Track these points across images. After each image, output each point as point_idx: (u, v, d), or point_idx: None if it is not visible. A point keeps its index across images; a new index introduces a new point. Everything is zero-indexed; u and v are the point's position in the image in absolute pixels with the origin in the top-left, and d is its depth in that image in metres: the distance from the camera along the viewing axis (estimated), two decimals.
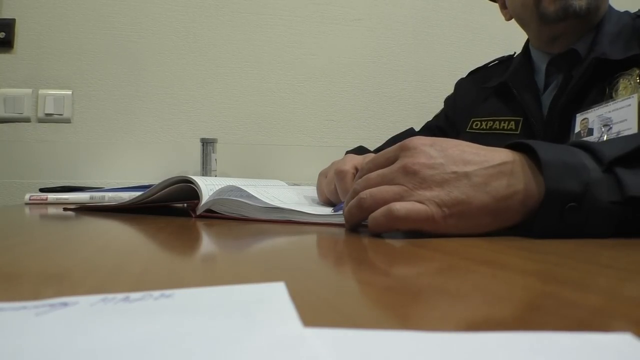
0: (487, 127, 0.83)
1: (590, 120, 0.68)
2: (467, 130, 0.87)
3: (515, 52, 0.91)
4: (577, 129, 0.69)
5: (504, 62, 0.92)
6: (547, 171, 0.36)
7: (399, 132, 1.02)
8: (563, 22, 0.72)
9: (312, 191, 0.70)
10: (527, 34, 0.83)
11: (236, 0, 1.53)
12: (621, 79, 0.67)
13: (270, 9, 1.55)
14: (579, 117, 0.69)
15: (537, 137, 0.74)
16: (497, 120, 0.82)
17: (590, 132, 0.67)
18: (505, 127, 0.80)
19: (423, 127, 1.03)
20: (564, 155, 0.37)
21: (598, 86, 0.69)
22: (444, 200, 0.37)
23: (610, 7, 0.76)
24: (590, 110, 0.68)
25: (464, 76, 1.02)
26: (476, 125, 0.86)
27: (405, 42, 1.64)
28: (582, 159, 0.37)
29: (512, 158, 0.39)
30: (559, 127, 0.72)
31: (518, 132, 0.78)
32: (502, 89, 0.83)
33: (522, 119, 0.78)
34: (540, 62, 0.80)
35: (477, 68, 0.99)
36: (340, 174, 0.59)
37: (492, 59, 0.97)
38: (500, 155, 0.39)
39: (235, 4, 1.53)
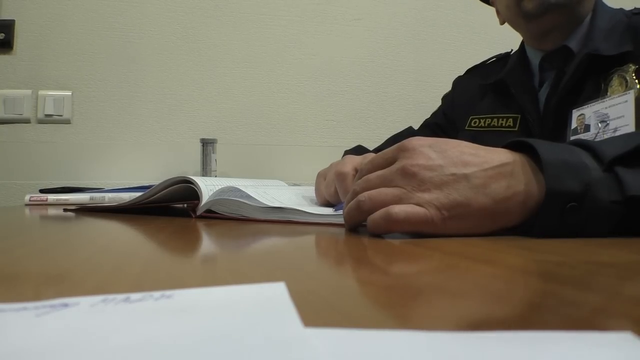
0: (486, 124, 0.83)
1: (586, 116, 0.67)
2: (466, 128, 0.87)
3: (512, 50, 0.91)
4: (574, 124, 0.69)
5: (502, 59, 0.93)
6: (548, 170, 0.36)
7: (398, 132, 1.02)
8: (545, 16, 0.73)
9: (312, 191, 0.70)
10: (520, 34, 0.84)
11: (236, 0, 1.53)
12: (616, 75, 0.67)
13: (270, 9, 1.55)
14: (575, 113, 0.70)
15: (534, 134, 0.75)
16: (495, 117, 0.82)
17: (587, 128, 0.67)
18: (504, 125, 0.80)
19: (422, 125, 1.03)
20: (565, 154, 0.37)
21: (593, 82, 0.70)
22: (443, 203, 0.37)
23: (601, 2, 0.77)
24: (586, 106, 0.68)
25: (462, 74, 1.02)
26: (475, 123, 0.86)
27: (405, 42, 1.64)
28: (582, 158, 0.37)
29: (512, 159, 0.39)
30: (555, 124, 0.73)
31: (516, 129, 0.78)
32: (500, 87, 0.83)
33: (519, 116, 0.78)
34: (535, 60, 0.81)
35: (475, 65, 0.99)
36: (340, 176, 0.59)
37: (489, 57, 0.97)
38: (500, 156, 0.39)
39: (235, 4, 1.53)
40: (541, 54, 0.79)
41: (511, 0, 0.76)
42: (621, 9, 0.76)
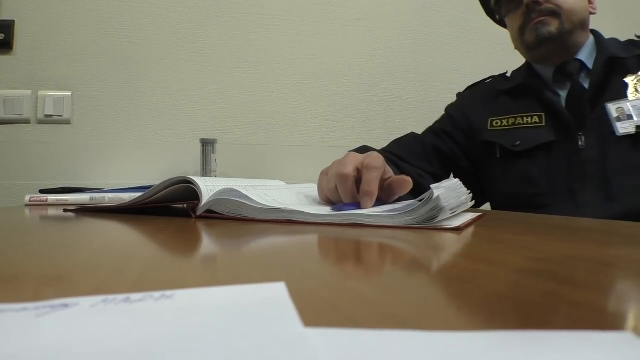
0: (510, 123, 0.93)
1: (625, 109, 0.82)
2: (489, 128, 0.96)
3: (507, 71, 1.04)
4: (615, 114, 0.82)
5: (501, 76, 1.05)
6: None
7: (401, 136, 1.03)
8: (541, 47, 0.90)
9: (313, 190, 0.70)
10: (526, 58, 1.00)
11: (235, 0, 1.53)
12: None
13: (270, 9, 1.55)
14: (612, 106, 0.83)
15: (569, 128, 0.85)
16: (519, 116, 0.92)
17: (629, 117, 0.81)
18: (530, 122, 0.90)
19: (427, 130, 1.05)
20: None
21: (616, 82, 0.84)
22: None
23: (596, 32, 0.94)
24: (621, 101, 0.82)
25: (462, 90, 1.10)
26: (497, 123, 0.95)
27: (405, 41, 1.65)
28: None
29: None
30: (581, 117, 0.84)
31: (544, 125, 0.88)
32: (518, 91, 0.95)
33: (544, 113, 0.89)
34: (546, 72, 0.93)
35: (475, 84, 1.09)
36: (341, 178, 0.59)
37: (486, 77, 1.08)
38: None
39: (235, 4, 1.53)
40: (551, 67, 0.92)
41: (516, 33, 0.95)
42: (615, 38, 0.93)
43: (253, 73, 1.53)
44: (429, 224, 0.45)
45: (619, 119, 0.81)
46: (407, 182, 0.59)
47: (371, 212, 0.49)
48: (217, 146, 1.31)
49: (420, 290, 0.20)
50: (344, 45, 1.60)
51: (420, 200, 0.46)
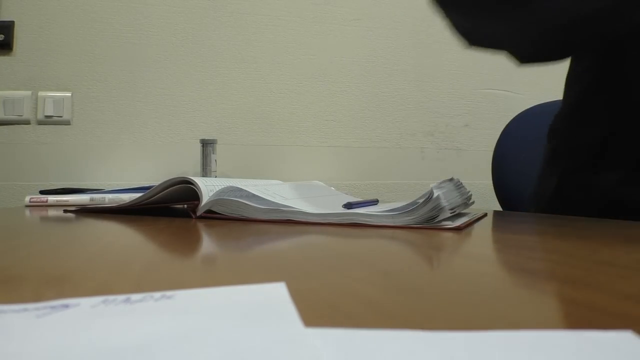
0: None
1: None
2: None
3: None
4: None
5: None
6: None
7: None
8: None
9: (312, 186, 0.70)
10: None
11: (235, 0, 1.53)
12: None
13: (270, 9, 1.55)
14: None
15: None
16: None
17: None
18: None
19: None
20: None
21: None
22: None
23: None
24: None
25: None
26: None
27: (404, 42, 1.64)
28: None
29: None
30: None
31: None
32: None
33: None
34: None
35: None
36: None
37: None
38: None
39: (234, 5, 1.53)
40: None
41: None
42: None
43: (253, 73, 1.53)
44: (429, 223, 0.45)
45: None
46: None
47: (371, 212, 0.49)
48: (217, 146, 1.31)
49: (420, 290, 0.20)
50: (344, 45, 1.60)
51: (420, 200, 0.46)
